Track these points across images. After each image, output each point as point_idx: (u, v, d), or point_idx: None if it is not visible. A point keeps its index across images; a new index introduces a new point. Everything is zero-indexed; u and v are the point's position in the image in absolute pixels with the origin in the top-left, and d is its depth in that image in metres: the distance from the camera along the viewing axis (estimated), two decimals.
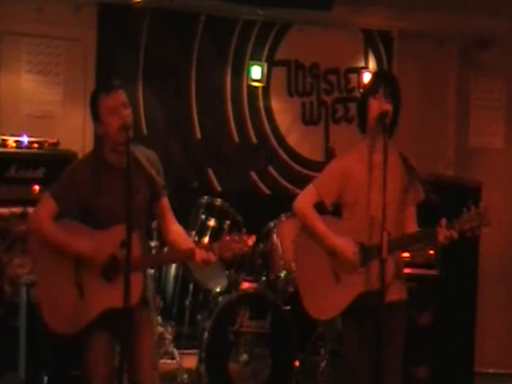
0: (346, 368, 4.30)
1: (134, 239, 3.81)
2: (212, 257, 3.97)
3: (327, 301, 4.19)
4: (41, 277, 4.14)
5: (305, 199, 4.31)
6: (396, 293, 4.15)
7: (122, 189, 3.81)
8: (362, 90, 4.76)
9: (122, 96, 4.02)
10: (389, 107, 4.12)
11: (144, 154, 4.08)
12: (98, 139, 4.14)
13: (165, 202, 4.20)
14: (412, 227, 4.23)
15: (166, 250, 5.63)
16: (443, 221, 3.97)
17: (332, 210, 4.38)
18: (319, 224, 4.23)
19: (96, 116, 4.04)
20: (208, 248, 3.99)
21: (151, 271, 4.54)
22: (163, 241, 5.64)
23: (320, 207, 4.32)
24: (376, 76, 4.69)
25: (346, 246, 4.14)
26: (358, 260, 4.12)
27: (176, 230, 4.22)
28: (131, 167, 3.82)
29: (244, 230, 4.12)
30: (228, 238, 4.03)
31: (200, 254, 3.97)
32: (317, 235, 4.23)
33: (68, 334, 4.06)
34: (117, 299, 3.79)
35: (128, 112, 4.00)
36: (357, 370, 4.17)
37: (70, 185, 4.05)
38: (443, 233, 3.94)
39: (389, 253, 3.91)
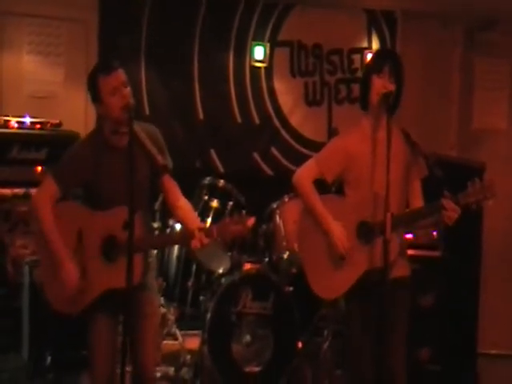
0: (350, 349, 4.30)
1: (137, 220, 3.80)
2: (205, 240, 3.95)
3: (333, 280, 4.19)
4: (43, 257, 4.14)
5: (305, 173, 4.30)
6: (399, 269, 4.14)
7: (124, 169, 3.79)
8: (365, 67, 4.71)
9: (121, 75, 3.98)
10: (393, 87, 4.10)
11: (145, 130, 4.02)
12: (100, 119, 4.12)
13: (167, 178, 4.16)
14: (418, 202, 4.21)
15: (168, 231, 5.71)
16: (446, 193, 3.94)
17: (335, 188, 4.38)
18: (317, 202, 4.23)
19: (96, 97, 4.00)
20: (206, 231, 3.97)
21: (154, 252, 4.53)
22: (165, 222, 5.71)
23: (323, 185, 4.30)
24: (380, 53, 4.66)
25: (340, 237, 4.13)
26: (344, 252, 4.12)
27: (182, 206, 4.19)
28: (134, 148, 3.80)
29: (244, 212, 4.09)
30: (227, 220, 4.01)
31: (195, 243, 3.95)
32: (313, 212, 4.23)
33: (70, 314, 4.07)
34: (117, 280, 3.79)
35: (128, 91, 3.97)
36: (361, 350, 4.17)
37: (72, 166, 4.04)
38: (449, 204, 3.91)
39: (393, 229, 3.90)
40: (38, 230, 4.08)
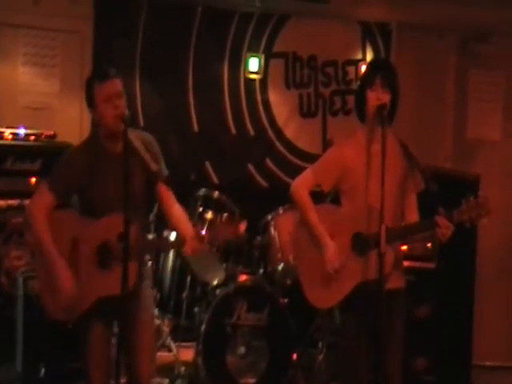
0: (345, 360, 4.30)
1: (132, 229, 3.80)
2: (199, 246, 3.94)
3: (327, 290, 4.18)
4: (39, 264, 4.14)
5: (302, 183, 4.31)
6: (394, 281, 4.13)
7: (118, 175, 3.80)
8: (358, 81, 4.74)
9: (117, 85, 3.98)
10: (386, 98, 4.11)
11: (140, 138, 4.04)
12: (95, 126, 4.13)
13: (162, 185, 4.15)
14: (413, 216, 4.22)
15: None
16: (441, 210, 3.95)
17: (332, 197, 4.39)
18: (312, 213, 4.23)
19: (90, 102, 4.02)
20: (198, 237, 3.96)
21: (149, 263, 4.52)
22: (160, 233, 5.71)
23: (319, 196, 4.31)
24: (371, 66, 4.67)
25: (331, 256, 4.13)
26: (333, 268, 4.12)
27: (176, 214, 4.18)
28: (128, 159, 3.81)
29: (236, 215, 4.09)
30: (219, 223, 4.02)
31: (186, 249, 3.95)
32: (307, 223, 4.24)
33: (66, 321, 4.06)
34: (112, 287, 3.79)
35: (123, 102, 3.97)
36: (356, 361, 4.17)
37: (66, 173, 4.05)
38: (442, 221, 3.92)
39: (388, 242, 3.91)
40: (33, 239, 4.08)
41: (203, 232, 3.97)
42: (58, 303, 4.01)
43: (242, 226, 4.00)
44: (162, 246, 5.05)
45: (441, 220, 3.93)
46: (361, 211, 4.12)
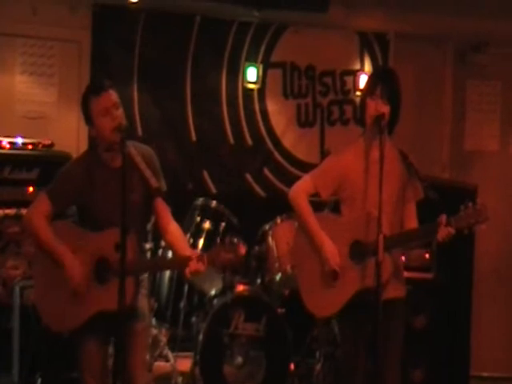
0: (343, 368, 4.29)
1: (130, 242, 3.79)
2: (202, 268, 3.94)
3: (326, 298, 4.19)
4: (37, 275, 4.15)
5: (301, 188, 4.32)
6: (393, 290, 4.13)
7: (118, 189, 3.78)
8: (362, 89, 4.77)
9: (112, 96, 3.99)
10: (385, 108, 4.12)
11: (140, 152, 4.03)
12: (93, 139, 4.13)
13: (160, 201, 4.16)
14: (412, 224, 4.23)
15: (160, 253, 5.69)
16: (443, 217, 3.94)
17: (332, 206, 4.38)
18: (310, 217, 4.25)
19: (88, 118, 4.02)
20: (199, 258, 3.96)
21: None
22: (158, 243, 5.70)
23: (319, 205, 4.32)
24: (373, 75, 4.69)
25: (331, 253, 4.13)
26: (335, 267, 4.12)
27: (173, 231, 4.19)
28: (128, 169, 3.80)
29: (236, 239, 4.07)
30: (219, 247, 4.01)
31: (190, 268, 3.95)
32: (306, 227, 4.24)
33: (62, 333, 4.06)
34: (109, 302, 3.78)
35: (120, 112, 3.98)
36: (353, 370, 4.16)
37: (65, 185, 4.06)
38: (443, 229, 3.92)
39: (386, 249, 3.90)
40: (35, 242, 4.08)
41: (202, 254, 3.97)
42: (54, 311, 4.02)
43: (242, 250, 4.00)
44: (161, 267, 5.06)
45: (442, 228, 3.92)
46: (359, 219, 4.13)
